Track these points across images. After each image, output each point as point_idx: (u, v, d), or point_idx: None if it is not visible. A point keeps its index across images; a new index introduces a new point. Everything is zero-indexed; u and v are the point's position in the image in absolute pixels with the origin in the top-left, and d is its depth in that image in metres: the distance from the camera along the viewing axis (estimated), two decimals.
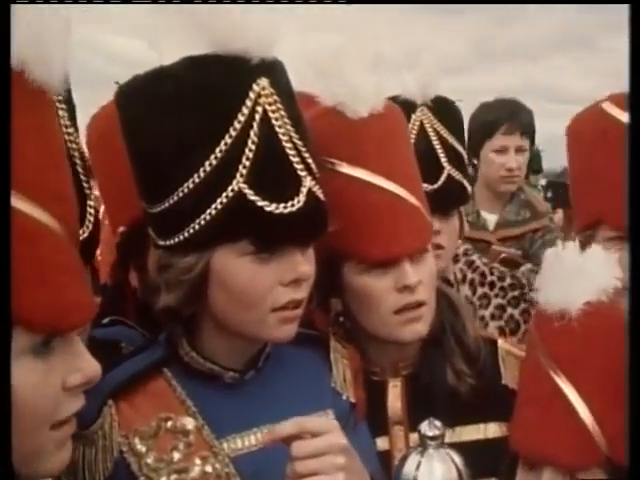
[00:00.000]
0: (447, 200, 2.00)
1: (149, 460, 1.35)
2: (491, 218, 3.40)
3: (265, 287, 1.31)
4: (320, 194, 1.37)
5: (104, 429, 1.34)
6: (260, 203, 1.27)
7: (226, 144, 1.27)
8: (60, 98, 1.23)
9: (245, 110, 1.28)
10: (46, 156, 0.91)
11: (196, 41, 1.30)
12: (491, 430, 1.63)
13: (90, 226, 1.32)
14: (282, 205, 1.28)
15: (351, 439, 1.41)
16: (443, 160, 1.96)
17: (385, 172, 1.54)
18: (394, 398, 1.65)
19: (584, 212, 1.82)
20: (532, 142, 3.43)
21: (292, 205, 1.29)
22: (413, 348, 1.66)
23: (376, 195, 1.53)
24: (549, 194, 3.98)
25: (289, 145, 1.31)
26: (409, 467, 1.38)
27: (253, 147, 1.27)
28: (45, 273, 0.87)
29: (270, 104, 1.30)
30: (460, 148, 2.03)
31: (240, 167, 1.27)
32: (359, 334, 1.64)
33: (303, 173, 1.33)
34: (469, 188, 2.07)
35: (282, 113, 1.31)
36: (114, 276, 1.84)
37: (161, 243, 1.35)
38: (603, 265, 1.34)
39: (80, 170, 1.31)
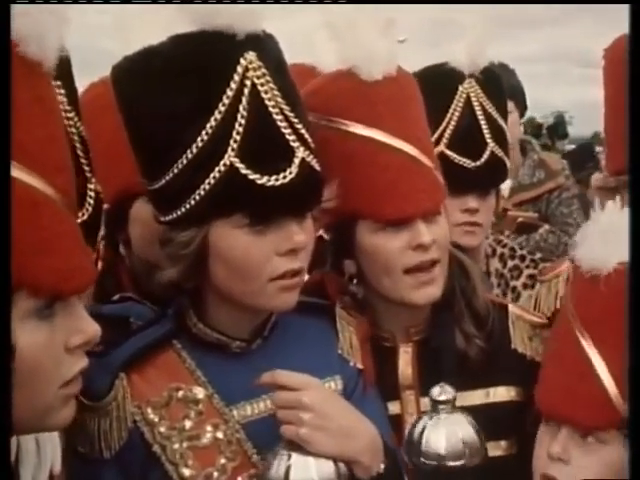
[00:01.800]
0: (488, 178, 2.01)
1: (162, 429, 1.40)
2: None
3: (261, 258, 1.34)
4: (315, 164, 1.39)
5: (117, 400, 1.39)
6: (252, 176, 1.30)
7: (216, 119, 1.30)
8: (59, 83, 1.26)
9: (233, 85, 1.30)
10: (45, 128, 0.94)
11: (183, 19, 1.33)
12: (499, 394, 1.65)
13: (90, 209, 1.35)
14: (274, 177, 1.31)
15: (359, 404, 1.46)
16: (487, 136, 1.96)
17: (399, 133, 1.56)
18: (405, 364, 1.67)
19: (621, 153, 1.63)
20: (520, 103, 3.41)
21: (284, 177, 1.32)
22: (424, 313, 1.68)
23: (391, 155, 1.55)
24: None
25: (280, 117, 1.34)
26: (417, 431, 1.43)
27: (243, 121, 1.30)
28: (46, 240, 0.91)
29: (259, 77, 1.32)
30: (503, 124, 2.02)
31: (231, 141, 1.30)
32: (371, 299, 1.67)
33: (295, 144, 1.35)
34: (509, 165, 2.06)
35: (271, 86, 1.33)
36: (104, 253, 1.89)
37: (162, 219, 1.39)
38: None
39: (80, 153, 1.34)
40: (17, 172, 0.88)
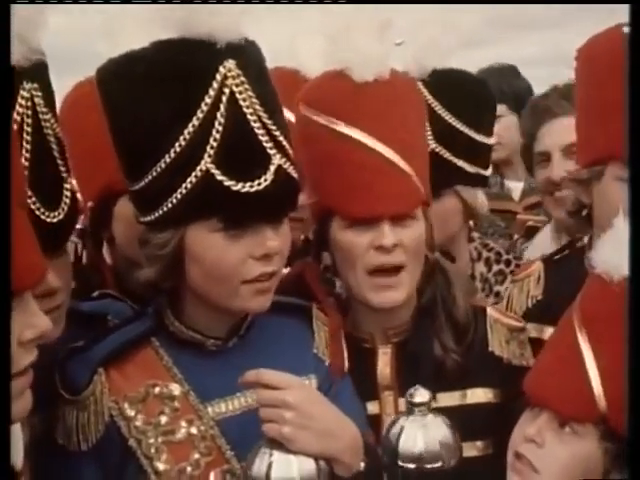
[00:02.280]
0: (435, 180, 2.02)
1: (138, 423, 1.44)
2: (517, 187, 3.41)
3: (235, 261, 1.38)
4: (291, 170, 1.42)
5: (95, 395, 1.43)
6: (227, 183, 1.34)
7: (194, 126, 1.34)
8: (36, 86, 1.31)
9: (212, 92, 1.34)
10: None
11: (166, 26, 1.36)
12: (476, 395, 1.67)
13: (65, 208, 1.39)
14: (249, 184, 1.35)
15: (334, 403, 1.49)
16: (429, 139, 1.95)
17: (380, 135, 1.58)
18: (384, 364, 1.70)
19: (593, 145, 1.71)
20: (513, 106, 3.36)
21: (259, 184, 1.36)
22: (402, 317, 1.70)
23: (366, 155, 1.58)
24: None
25: (257, 125, 1.37)
26: (394, 432, 1.45)
27: (220, 128, 1.34)
28: None
29: (237, 85, 1.36)
30: (458, 124, 2.01)
31: (208, 148, 1.34)
32: (351, 300, 1.71)
33: (272, 151, 1.38)
34: (466, 167, 2.04)
35: (250, 94, 1.37)
36: (88, 252, 1.94)
37: (141, 219, 1.43)
38: None
39: (56, 155, 1.38)
40: None
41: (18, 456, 1.18)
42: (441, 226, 2.00)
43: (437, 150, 1.99)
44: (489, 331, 1.71)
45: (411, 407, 1.45)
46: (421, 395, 1.45)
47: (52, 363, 1.43)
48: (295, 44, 2.06)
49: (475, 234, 2.30)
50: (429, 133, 1.95)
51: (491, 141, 2.15)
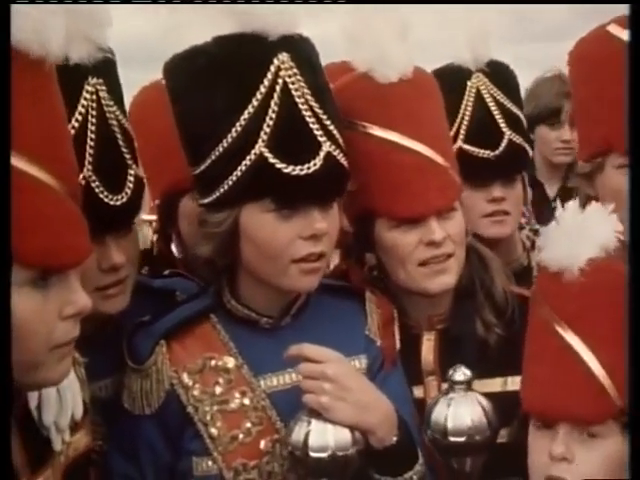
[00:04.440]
0: (509, 166, 2.04)
1: (195, 392, 1.55)
2: (551, 190, 3.37)
3: (285, 240, 1.47)
4: (341, 158, 1.50)
5: (157, 365, 1.55)
6: (279, 165, 1.43)
7: (249, 113, 1.44)
8: (101, 81, 1.44)
9: (266, 82, 1.44)
10: (43, 123, 1.07)
11: (225, 23, 1.46)
12: (517, 383, 1.63)
13: (129, 192, 1.52)
14: (299, 167, 1.44)
15: (382, 383, 1.58)
16: (502, 125, 2.00)
17: (414, 134, 1.64)
18: (427, 350, 1.75)
19: (592, 140, 1.78)
20: None
21: (308, 168, 1.44)
22: (445, 303, 1.75)
23: (404, 156, 1.64)
24: None
25: (309, 113, 1.46)
26: (439, 411, 1.52)
27: (274, 115, 1.43)
28: (40, 221, 1.05)
29: (290, 76, 1.45)
30: (518, 112, 2.05)
31: (262, 133, 1.43)
32: (394, 290, 1.76)
33: (322, 138, 1.47)
34: (531, 152, 2.09)
35: (302, 84, 1.46)
36: (158, 245, 2.08)
37: (200, 201, 1.55)
38: (603, 222, 1.38)
39: (121, 143, 1.52)
40: (16, 160, 1.01)
41: (77, 409, 1.30)
42: (515, 213, 2.02)
43: (511, 137, 2.01)
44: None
45: (452, 385, 1.52)
46: (463, 374, 1.51)
47: (121, 331, 1.58)
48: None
49: (522, 219, 2.30)
50: (502, 121, 1.99)
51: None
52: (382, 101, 1.64)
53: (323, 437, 1.43)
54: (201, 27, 1.56)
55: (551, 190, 3.38)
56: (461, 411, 1.49)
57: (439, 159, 1.66)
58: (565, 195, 3.73)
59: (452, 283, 1.68)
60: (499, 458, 1.50)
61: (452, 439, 1.49)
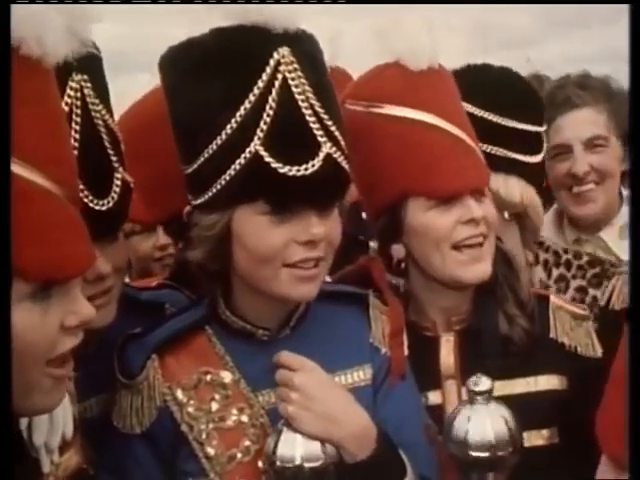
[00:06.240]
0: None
1: (190, 409, 1.46)
2: None
3: (277, 243, 1.38)
4: (341, 160, 1.42)
5: (149, 380, 1.47)
6: (274, 165, 1.35)
7: (245, 109, 1.36)
8: (85, 77, 1.36)
9: (264, 76, 1.36)
10: (43, 124, 1.01)
11: (224, 15, 1.39)
12: (540, 383, 1.66)
13: (115, 197, 1.43)
14: (296, 168, 1.35)
15: (388, 393, 1.52)
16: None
17: (445, 115, 1.65)
18: (447, 352, 1.69)
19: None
20: None
21: (306, 169, 1.36)
22: (466, 300, 1.71)
23: (439, 136, 1.63)
24: None
25: (309, 112, 1.38)
26: (460, 422, 1.45)
27: (271, 112, 1.35)
28: (39, 230, 0.98)
29: (290, 72, 1.37)
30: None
31: (258, 130, 1.35)
32: (415, 288, 1.72)
33: (323, 139, 1.39)
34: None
35: (302, 81, 1.38)
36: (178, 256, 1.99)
37: (192, 202, 1.46)
38: None
39: (107, 145, 1.43)
40: (13, 165, 0.95)
41: (68, 428, 1.23)
42: None
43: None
44: (551, 317, 1.70)
45: (473, 396, 1.45)
46: (483, 383, 1.44)
47: (106, 347, 1.48)
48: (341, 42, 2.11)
49: None
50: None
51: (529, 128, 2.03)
52: (414, 85, 1.65)
53: (291, 447, 1.38)
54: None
55: None
56: (483, 424, 1.43)
57: (470, 141, 1.66)
58: None
59: (489, 272, 1.64)
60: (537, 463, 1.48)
61: (474, 454, 1.42)
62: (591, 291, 2.10)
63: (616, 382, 1.16)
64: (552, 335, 1.68)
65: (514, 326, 1.66)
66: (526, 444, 1.51)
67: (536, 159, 2.06)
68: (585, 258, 2.15)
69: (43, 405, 1.07)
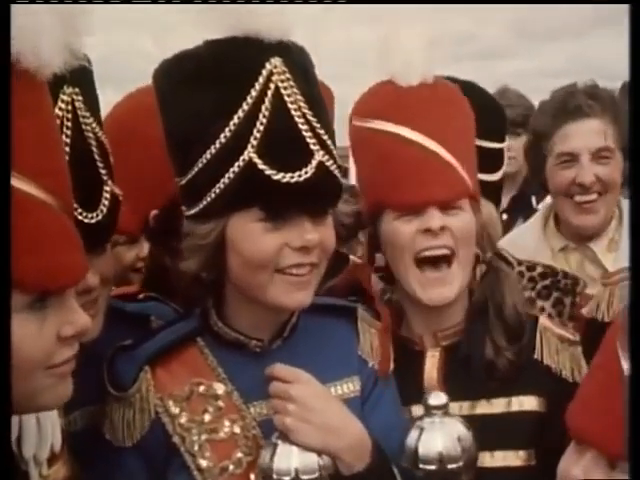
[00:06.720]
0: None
1: (182, 421, 1.46)
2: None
3: (271, 248, 1.39)
4: (334, 169, 1.43)
5: (141, 392, 1.47)
6: (268, 172, 1.36)
7: (239, 118, 1.37)
8: (77, 90, 1.36)
9: (257, 86, 1.38)
10: (38, 136, 1.02)
11: (217, 27, 1.41)
12: (521, 403, 1.64)
13: (104, 210, 1.43)
14: (289, 175, 1.37)
15: (375, 405, 1.53)
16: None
17: (424, 130, 1.65)
18: (431, 367, 1.69)
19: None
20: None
21: (299, 176, 1.37)
22: (453, 318, 1.70)
23: (411, 149, 1.65)
24: None
25: (301, 120, 1.40)
26: (412, 435, 1.46)
27: (264, 120, 1.37)
28: (35, 240, 0.98)
29: (282, 81, 1.39)
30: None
31: (251, 139, 1.37)
32: (402, 301, 1.72)
33: (315, 147, 1.40)
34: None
35: (295, 90, 1.40)
36: (150, 262, 1.98)
37: (186, 213, 1.47)
38: None
39: (97, 157, 1.43)
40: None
41: (56, 440, 1.22)
42: None
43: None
44: (538, 339, 1.68)
45: (430, 410, 1.46)
46: (439, 398, 1.47)
47: (91, 359, 1.48)
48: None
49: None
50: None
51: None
52: (400, 101, 1.68)
53: (287, 459, 1.38)
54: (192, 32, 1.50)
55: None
56: (434, 438, 1.43)
57: (447, 156, 1.65)
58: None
59: (450, 297, 1.62)
60: None
61: (422, 466, 1.43)
62: (539, 302, 2.10)
63: (595, 374, 1.27)
64: (536, 356, 1.66)
65: (500, 356, 1.64)
66: (502, 464, 1.52)
67: (496, 177, 2.10)
68: (538, 270, 2.15)
69: (51, 400, 1.08)
